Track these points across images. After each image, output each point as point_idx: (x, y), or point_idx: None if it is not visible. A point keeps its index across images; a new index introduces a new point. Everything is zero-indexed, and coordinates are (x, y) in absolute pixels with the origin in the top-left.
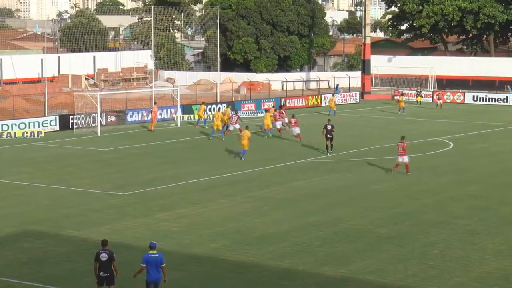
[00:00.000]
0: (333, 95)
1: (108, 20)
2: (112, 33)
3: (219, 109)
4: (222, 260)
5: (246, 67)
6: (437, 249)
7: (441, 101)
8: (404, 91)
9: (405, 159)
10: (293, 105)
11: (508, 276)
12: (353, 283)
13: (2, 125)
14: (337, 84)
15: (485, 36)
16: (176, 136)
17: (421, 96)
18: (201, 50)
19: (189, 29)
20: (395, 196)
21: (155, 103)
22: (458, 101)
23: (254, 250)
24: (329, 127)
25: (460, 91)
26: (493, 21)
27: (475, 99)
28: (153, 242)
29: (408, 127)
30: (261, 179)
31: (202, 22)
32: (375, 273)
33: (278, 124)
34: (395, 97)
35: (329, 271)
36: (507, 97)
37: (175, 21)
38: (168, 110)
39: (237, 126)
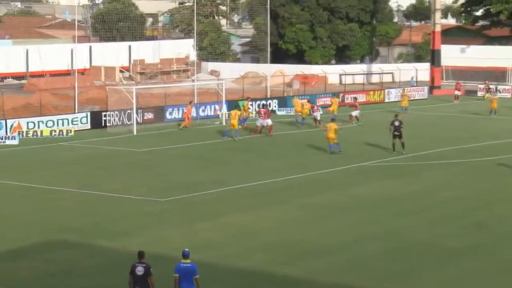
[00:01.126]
0: (404, 89)
1: (145, 6)
2: (150, 20)
3: (235, 106)
4: (269, 274)
5: (299, 58)
6: None
7: None
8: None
9: None
10: (351, 101)
11: None
12: None
13: (28, 123)
14: (412, 77)
15: None
16: (220, 136)
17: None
18: (249, 39)
19: (236, 15)
20: (466, 205)
21: (190, 102)
22: None
23: (306, 263)
24: (396, 123)
25: None
26: None
27: None
28: (186, 250)
29: (490, 126)
30: (315, 184)
31: (250, 8)
32: None
33: (259, 123)
34: (482, 93)
35: None
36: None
37: (220, 6)
38: (212, 106)
39: (317, 115)
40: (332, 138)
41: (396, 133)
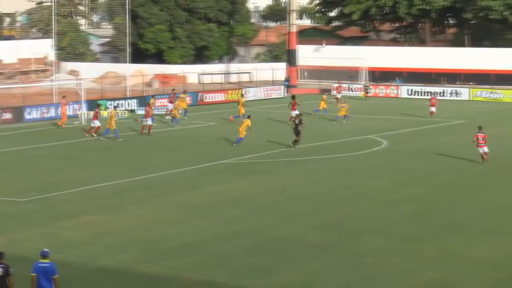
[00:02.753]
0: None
1: (2, 5)
2: (7, 19)
3: (115, 107)
4: (134, 273)
5: (158, 58)
6: (370, 258)
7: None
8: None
9: (485, 149)
10: (211, 100)
11: (445, 285)
12: None
13: None
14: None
15: (420, 24)
16: (80, 135)
17: (367, 92)
18: (108, 39)
19: (95, 15)
20: (324, 201)
21: (63, 97)
22: (392, 95)
23: (170, 261)
24: (297, 121)
25: (394, 84)
26: (429, 8)
27: (410, 93)
28: (45, 250)
29: (335, 124)
30: (177, 183)
31: (110, 8)
32: (302, 284)
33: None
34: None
35: (252, 283)
36: (443, 90)
37: (79, 6)
38: (72, 106)
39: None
40: (241, 131)
41: (294, 131)
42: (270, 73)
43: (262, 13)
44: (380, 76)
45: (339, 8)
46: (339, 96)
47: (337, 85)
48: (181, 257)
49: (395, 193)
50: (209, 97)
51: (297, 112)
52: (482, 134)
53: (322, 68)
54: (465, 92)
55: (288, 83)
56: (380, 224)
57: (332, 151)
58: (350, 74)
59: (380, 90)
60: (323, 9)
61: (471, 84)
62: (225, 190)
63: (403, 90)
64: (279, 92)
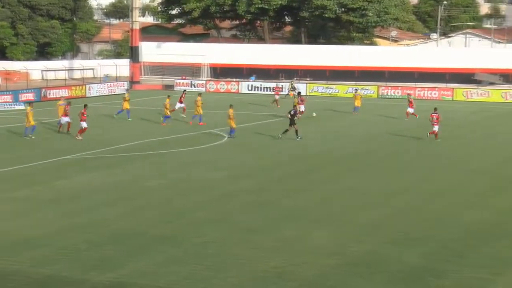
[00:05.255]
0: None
1: None
2: None
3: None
4: None
5: (1, 54)
6: (212, 249)
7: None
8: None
9: (436, 128)
10: (55, 96)
11: (283, 274)
12: None
13: None
14: (106, 74)
15: (259, 22)
16: None
17: (292, 91)
18: None
19: None
20: (167, 194)
21: None
22: (233, 90)
23: (12, 256)
24: (292, 112)
25: (235, 80)
26: (267, 6)
27: (250, 88)
28: None
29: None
30: (20, 178)
31: None
32: (148, 276)
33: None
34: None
35: (98, 277)
36: (282, 86)
37: None
38: None
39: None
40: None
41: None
42: (114, 69)
43: (105, 10)
44: (221, 72)
45: (181, 6)
46: (277, 97)
47: (275, 85)
48: (24, 252)
49: (234, 185)
50: (53, 93)
51: (183, 105)
52: (436, 115)
53: (165, 64)
54: (302, 87)
55: (107, 79)
56: (221, 216)
57: (179, 146)
58: (193, 71)
59: (222, 85)
60: (165, 7)
61: (307, 79)
62: (71, 184)
63: (244, 86)
64: (122, 88)
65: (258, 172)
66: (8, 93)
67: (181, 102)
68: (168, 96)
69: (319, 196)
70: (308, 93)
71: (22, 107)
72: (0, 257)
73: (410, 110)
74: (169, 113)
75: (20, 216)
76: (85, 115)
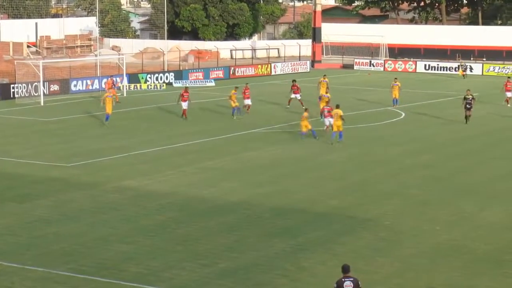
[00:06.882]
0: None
1: None
2: None
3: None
4: (170, 232)
5: (194, 35)
6: (388, 220)
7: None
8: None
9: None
10: (242, 74)
11: (459, 247)
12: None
13: None
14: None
15: (436, 4)
16: (122, 106)
17: (463, 70)
18: (147, 17)
19: None
20: (345, 167)
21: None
22: (410, 70)
23: (203, 222)
24: (469, 98)
25: (412, 60)
26: None
27: (427, 68)
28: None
29: (359, 96)
30: (211, 150)
31: None
32: (325, 245)
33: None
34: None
35: (280, 243)
36: (458, 65)
37: None
38: (114, 79)
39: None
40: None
41: (467, 106)
42: (296, 49)
43: None
44: (398, 52)
45: None
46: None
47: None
48: (214, 218)
49: (411, 159)
50: (241, 71)
51: (298, 95)
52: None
53: (345, 44)
54: (478, 68)
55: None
56: (398, 189)
57: (357, 122)
58: (371, 50)
59: (399, 65)
60: None
61: (483, 60)
62: (254, 156)
63: (420, 65)
64: (305, 67)
65: (434, 148)
66: (200, 70)
67: (247, 98)
68: (236, 87)
69: (498, 173)
70: (484, 73)
71: (212, 84)
72: (192, 223)
73: None
74: (233, 104)
75: (210, 185)
76: (247, 94)
